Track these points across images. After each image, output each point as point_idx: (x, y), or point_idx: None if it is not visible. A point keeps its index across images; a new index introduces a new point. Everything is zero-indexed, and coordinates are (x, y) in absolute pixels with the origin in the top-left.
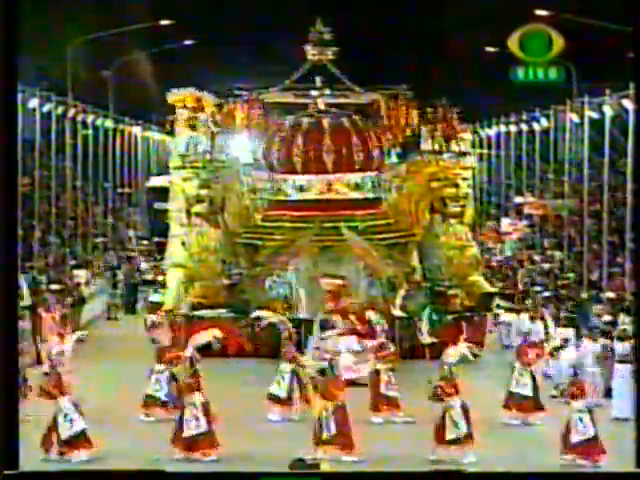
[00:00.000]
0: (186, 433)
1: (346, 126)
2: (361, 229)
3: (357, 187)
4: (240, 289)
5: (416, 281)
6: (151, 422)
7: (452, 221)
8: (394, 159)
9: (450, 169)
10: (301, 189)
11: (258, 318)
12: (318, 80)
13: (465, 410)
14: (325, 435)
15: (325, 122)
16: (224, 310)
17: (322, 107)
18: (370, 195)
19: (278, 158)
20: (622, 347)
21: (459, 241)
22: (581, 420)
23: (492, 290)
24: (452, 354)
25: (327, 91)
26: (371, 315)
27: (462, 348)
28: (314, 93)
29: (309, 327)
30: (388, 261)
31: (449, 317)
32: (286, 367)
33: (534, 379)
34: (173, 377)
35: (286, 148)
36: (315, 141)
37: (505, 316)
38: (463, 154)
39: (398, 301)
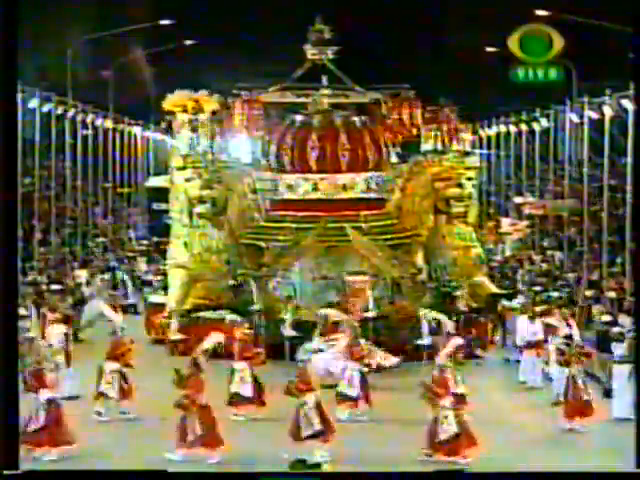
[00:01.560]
0: (28, 429)
1: (354, 125)
2: (366, 229)
3: (362, 187)
4: (245, 290)
5: (422, 282)
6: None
7: (456, 221)
8: (394, 159)
9: (454, 169)
10: (311, 188)
11: (325, 317)
12: (325, 79)
13: (319, 407)
14: (191, 437)
15: (335, 121)
16: (228, 311)
17: (326, 106)
18: (374, 195)
19: (283, 157)
20: (622, 347)
21: (463, 241)
22: (446, 418)
23: (497, 291)
24: (303, 350)
25: (328, 90)
26: (429, 314)
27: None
28: (318, 92)
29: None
30: (394, 262)
31: (454, 318)
32: (354, 366)
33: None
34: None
35: (292, 147)
36: (325, 140)
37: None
38: (467, 154)
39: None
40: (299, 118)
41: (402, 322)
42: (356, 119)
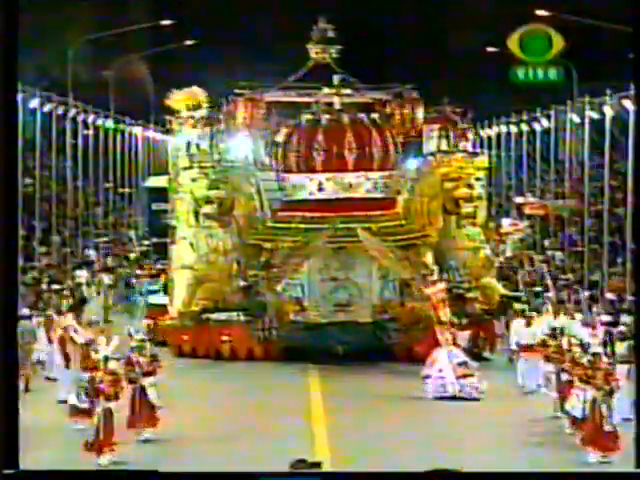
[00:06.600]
0: None
1: (365, 124)
2: (375, 230)
3: (372, 187)
4: (256, 291)
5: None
6: None
7: (465, 222)
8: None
9: (463, 169)
10: (317, 189)
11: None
12: (336, 79)
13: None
14: None
15: (344, 120)
16: (235, 313)
17: (338, 106)
18: (383, 195)
19: (288, 157)
20: (622, 347)
21: (472, 242)
22: None
23: (508, 293)
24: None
25: (335, 90)
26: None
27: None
28: (329, 91)
29: None
30: (404, 263)
31: (464, 320)
32: (548, 366)
33: None
34: None
35: (301, 147)
36: (334, 139)
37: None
38: (476, 154)
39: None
40: (306, 117)
41: (412, 324)
42: (364, 118)
